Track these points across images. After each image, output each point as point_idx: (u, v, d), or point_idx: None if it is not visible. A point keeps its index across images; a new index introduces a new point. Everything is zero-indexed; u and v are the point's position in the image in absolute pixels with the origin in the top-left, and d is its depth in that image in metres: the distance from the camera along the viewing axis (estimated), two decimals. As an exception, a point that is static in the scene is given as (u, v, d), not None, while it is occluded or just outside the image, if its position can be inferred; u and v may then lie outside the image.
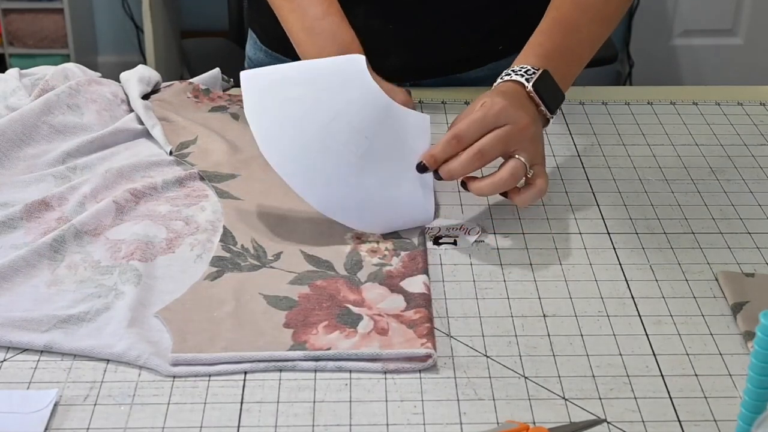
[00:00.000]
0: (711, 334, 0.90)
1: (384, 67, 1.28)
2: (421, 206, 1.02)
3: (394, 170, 1.00)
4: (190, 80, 1.28)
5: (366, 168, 1.00)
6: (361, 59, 1.04)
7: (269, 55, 1.36)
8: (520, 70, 1.04)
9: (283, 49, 1.35)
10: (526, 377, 0.85)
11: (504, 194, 1.01)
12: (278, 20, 1.27)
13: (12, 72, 1.25)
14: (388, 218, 1.01)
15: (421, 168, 1.00)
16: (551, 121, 1.06)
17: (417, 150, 1.01)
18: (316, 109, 1.00)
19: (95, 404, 0.81)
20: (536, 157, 1.01)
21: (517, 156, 0.99)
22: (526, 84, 1.02)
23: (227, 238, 1.00)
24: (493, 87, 1.05)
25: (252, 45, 1.40)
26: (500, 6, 1.28)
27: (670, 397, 0.83)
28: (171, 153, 1.14)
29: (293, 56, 1.33)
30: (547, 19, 1.10)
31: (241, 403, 0.82)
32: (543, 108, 1.03)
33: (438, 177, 1.00)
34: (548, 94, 1.03)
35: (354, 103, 1.00)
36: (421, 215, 1.03)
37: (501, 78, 1.05)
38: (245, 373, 0.85)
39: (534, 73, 1.03)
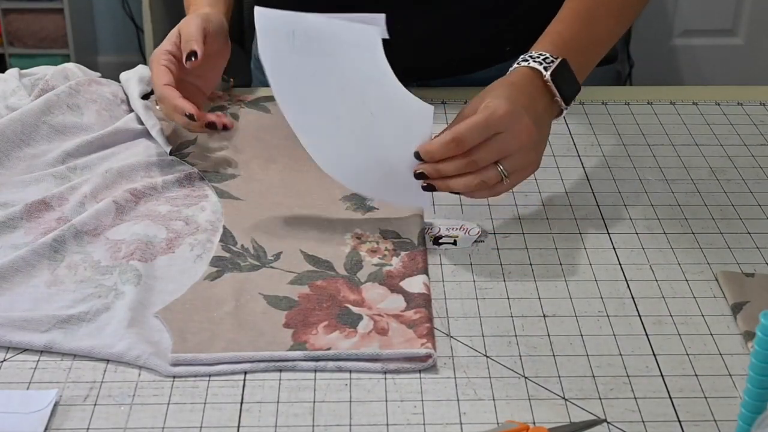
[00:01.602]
0: (711, 334, 0.90)
1: (391, 67, 1.28)
2: (418, 188, 1.00)
3: (394, 149, 0.99)
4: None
5: (369, 139, 0.99)
6: (376, 34, 1.02)
7: None
8: (538, 57, 1.01)
9: None
10: (526, 377, 0.85)
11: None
12: None
13: (12, 72, 1.25)
14: (386, 189, 1.01)
15: (418, 156, 0.98)
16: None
17: (418, 136, 0.99)
18: (329, 72, 0.99)
19: (95, 404, 0.81)
20: (525, 165, 0.98)
21: (500, 166, 0.96)
22: (544, 72, 1.00)
23: (227, 238, 1.00)
24: (509, 71, 1.03)
25: (257, 45, 1.40)
26: (507, 7, 1.28)
27: (670, 397, 0.83)
28: (171, 153, 1.14)
29: None
30: (566, 9, 1.08)
31: (241, 403, 0.82)
32: (558, 98, 1.01)
33: (424, 177, 0.98)
34: (565, 84, 1.01)
35: (364, 77, 1.00)
36: (417, 198, 1.01)
37: (518, 62, 1.02)
38: (245, 373, 0.85)
39: (552, 61, 1.01)
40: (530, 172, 1.00)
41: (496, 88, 1.00)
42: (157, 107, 1.15)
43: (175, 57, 1.12)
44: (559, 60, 1.01)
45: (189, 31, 1.13)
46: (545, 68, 1.00)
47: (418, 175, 0.98)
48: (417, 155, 0.98)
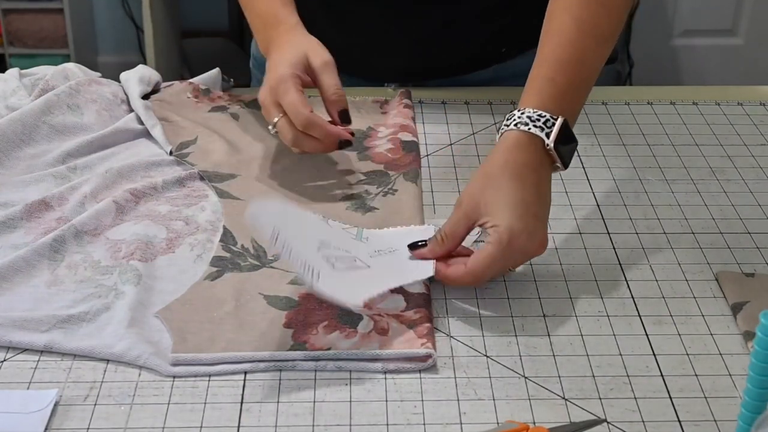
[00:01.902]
0: (711, 334, 0.90)
1: (388, 68, 1.28)
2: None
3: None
4: (190, 80, 1.28)
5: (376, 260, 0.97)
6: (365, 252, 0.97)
7: None
8: (537, 119, 0.95)
9: None
10: (526, 377, 0.85)
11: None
12: None
13: (12, 72, 1.25)
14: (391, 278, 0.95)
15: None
16: None
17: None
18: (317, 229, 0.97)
19: (95, 404, 0.81)
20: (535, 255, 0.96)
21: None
22: (546, 140, 0.94)
23: (227, 238, 1.00)
24: (504, 131, 0.96)
25: (256, 44, 1.40)
26: (504, 8, 1.28)
27: (670, 397, 0.83)
28: (171, 153, 1.14)
29: None
30: (551, 46, 1.00)
31: (241, 403, 0.82)
32: (559, 164, 0.96)
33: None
34: (567, 149, 0.96)
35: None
36: (421, 270, 0.96)
37: (515, 123, 0.95)
38: (245, 373, 0.85)
39: (552, 123, 0.95)
40: (540, 253, 0.96)
41: (498, 189, 0.93)
42: (272, 130, 1.08)
43: (301, 80, 1.08)
44: (560, 122, 0.95)
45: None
46: (547, 134, 0.95)
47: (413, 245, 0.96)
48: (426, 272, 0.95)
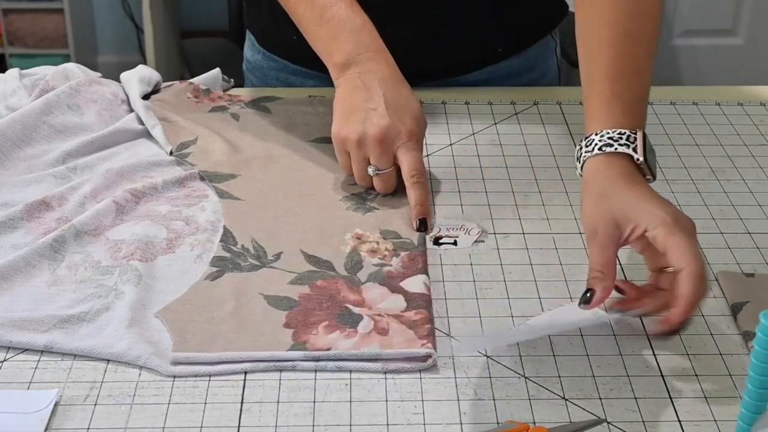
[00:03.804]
0: (711, 334, 0.90)
1: None
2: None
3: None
4: (190, 80, 1.28)
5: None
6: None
7: (267, 58, 1.36)
8: (620, 138, 0.93)
9: (280, 52, 1.35)
10: (526, 377, 0.85)
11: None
12: (277, 23, 1.27)
13: (12, 72, 1.25)
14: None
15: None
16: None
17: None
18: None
19: (95, 404, 0.81)
20: None
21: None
22: (635, 155, 0.92)
23: (227, 238, 1.00)
24: (587, 158, 0.94)
25: (250, 47, 1.40)
26: (497, 10, 1.28)
27: (670, 397, 0.83)
28: (171, 153, 1.14)
29: (292, 59, 1.33)
30: (605, 61, 0.97)
31: (241, 403, 0.82)
32: (649, 176, 0.94)
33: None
34: (652, 159, 0.94)
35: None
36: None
37: (599, 147, 0.93)
38: (245, 373, 0.85)
39: (634, 138, 0.93)
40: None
41: (624, 197, 0.90)
42: (372, 171, 1.07)
43: None
44: (640, 135, 0.94)
45: None
46: (634, 150, 0.93)
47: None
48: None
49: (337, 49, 1.09)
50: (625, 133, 0.93)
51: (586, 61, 1.00)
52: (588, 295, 0.87)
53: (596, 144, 0.94)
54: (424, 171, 1.06)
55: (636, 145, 0.93)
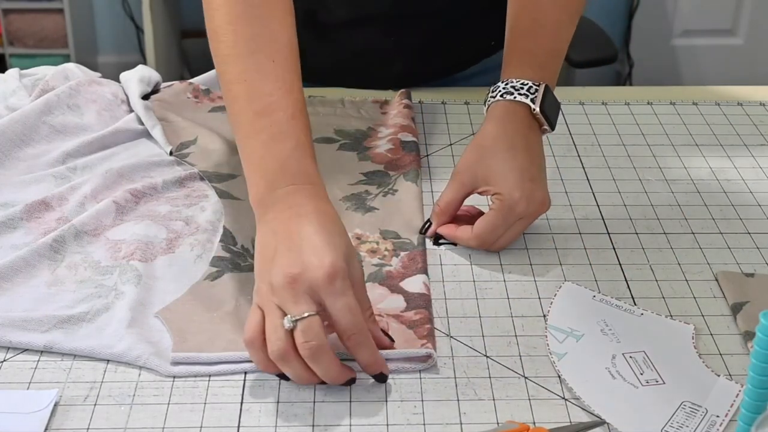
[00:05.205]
0: (711, 334, 0.90)
1: (388, 76, 1.29)
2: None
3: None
4: (190, 80, 1.28)
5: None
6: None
7: None
8: (521, 87, 1.01)
9: None
10: (526, 377, 0.85)
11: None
12: None
13: (12, 72, 1.25)
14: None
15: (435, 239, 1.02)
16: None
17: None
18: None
19: (95, 404, 0.81)
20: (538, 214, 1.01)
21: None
22: (532, 105, 1.00)
23: (227, 238, 1.00)
24: (491, 104, 1.02)
25: None
26: (492, 7, 1.28)
27: (670, 397, 0.83)
28: (171, 153, 1.14)
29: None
30: (527, 19, 1.06)
31: (241, 403, 0.82)
32: (546, 127, 1.02)
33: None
34: (552, 110, 1.02)
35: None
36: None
37: (501, 94, 1.02)
38: (245, 373, 0.85)
39: (535, 90, 1.01)
40: (543, 212, 1.01)
41: (493, 159, 0.98)
42: (288, 324, 0.80)
43: None
44: (542, 87, 1.01)
45: None
46: (532, 101, 1.00)
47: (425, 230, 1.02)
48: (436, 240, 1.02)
49: (260, 180, 0.90)
50: (527, 84, 1.01)
51: (512, 15, 1.08)
52: (426, 225, 1.02)
53: (500, 91, 1.02)
54: (362, 325, 0.82)
55: (536, 96, 1.00)
